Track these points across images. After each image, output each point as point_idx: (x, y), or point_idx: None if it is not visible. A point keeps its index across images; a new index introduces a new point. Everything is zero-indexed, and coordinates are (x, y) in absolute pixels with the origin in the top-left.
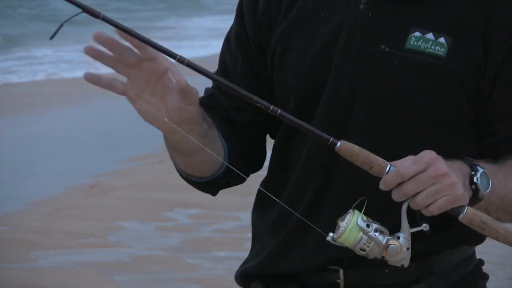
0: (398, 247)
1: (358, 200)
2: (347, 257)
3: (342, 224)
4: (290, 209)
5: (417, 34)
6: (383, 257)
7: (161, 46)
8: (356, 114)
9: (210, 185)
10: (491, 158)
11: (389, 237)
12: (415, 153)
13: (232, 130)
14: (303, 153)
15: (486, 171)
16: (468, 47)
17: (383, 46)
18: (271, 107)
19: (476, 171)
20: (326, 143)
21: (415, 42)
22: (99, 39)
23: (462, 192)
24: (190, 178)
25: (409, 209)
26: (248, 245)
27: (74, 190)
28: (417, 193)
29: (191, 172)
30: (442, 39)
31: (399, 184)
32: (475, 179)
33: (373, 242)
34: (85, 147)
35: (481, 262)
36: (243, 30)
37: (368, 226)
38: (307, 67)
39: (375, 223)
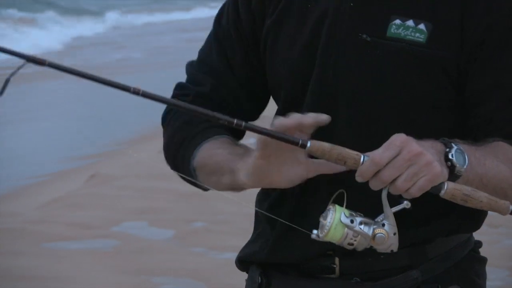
0: (385, 234)
1: (336, 193)
2: (342, 247)
3: (326, 222)
4: (275, 217)
5: (398, 22)
6: (371, 246)
7: (113, 81)
8: (342, 103)
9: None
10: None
11: (374, 227)
12: None
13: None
14: None
15: (461, 147)
16: (448, 32)
17: (365, 36)
18: (235, 121)
19: (451, 147)
20: (296, 145)
21: (395, 30)
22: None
23: (439, 169)
24: (200, 184)
25: (388, 197)
26: (248, 235)
27: (74, 179)
28: (395, 179)
29: (208, 186)
30: (422, 26)
31: (376, 173)
32: (450, 156)
33: (359, 236)
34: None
35: (478, 244)
36: (239, 21)
37: (352, 221)
38: (294, 58)
39: (359, 216)
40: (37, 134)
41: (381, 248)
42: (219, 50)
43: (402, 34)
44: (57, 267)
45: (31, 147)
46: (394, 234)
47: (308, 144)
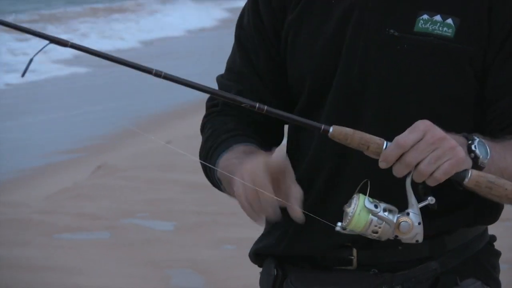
0: (410, 223)
1: (361, 183)
2: (362, 239)
3: (350, 210)
4: (299, 209)
5: (425, 16)
6: (396, 236)
7: (136, 64)
8: (368, 98)
9: None
10: (491, 136)
11: (398, 215)
12: None
13: (258, 129)
14: (314, 140)
15: (482, 140)
16: (475, 26)
17: (392, 31)
18: (257, 105)
19: (473, 140)
20: (318, 131)
21: (423, 25)
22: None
23: (463, 155)
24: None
25: (412, 187)
26: (257, 227)
27: (80, 169)
28: (418, 163)
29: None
30: (449, 20)
31: (400, 157)
32: (473, 147)
33: (384, 222)
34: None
35: (493, 238)
36: (260, 20)
37: (376, 206)
38: (318, 52)
39: (383, 203)
40: (45, 124)
41: (406, 237)
42: (242, 54)
43: (430, 28)
44: (64, 258)
45: (37, 137)
46: (419, 223)
47: (331, 129)
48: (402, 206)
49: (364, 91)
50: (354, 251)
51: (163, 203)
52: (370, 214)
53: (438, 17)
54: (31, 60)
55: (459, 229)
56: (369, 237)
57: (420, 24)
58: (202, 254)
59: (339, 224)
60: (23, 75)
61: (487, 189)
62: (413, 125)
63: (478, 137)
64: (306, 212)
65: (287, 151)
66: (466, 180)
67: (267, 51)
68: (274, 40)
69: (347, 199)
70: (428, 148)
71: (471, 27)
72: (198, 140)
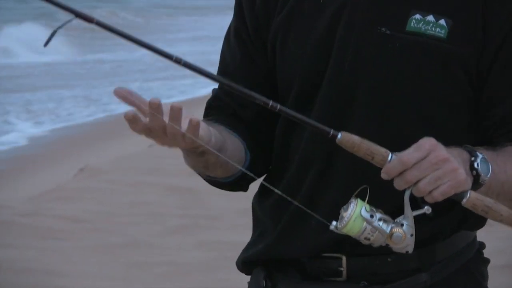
0: (403, 234)
1: (360, 188)
2: (349, 241)
3: (346, 214)
4: (289, 198)
5: (418, 16)
6: (387, 244)
7: (157, 47)
8: (359, 97)
9: (239, 182)
10: (488, 142)
11: (392, 225)
12: (419, 136)
13: (243, 127)
14: (303, 139)
15: (485, 156)
16: (468, 29)
17: (384, 29)
18: (270, 102)
19: (476, 156)
20: (327, 136)
21: (415, 25)
22: (119, 95)
23: (464, 177)
24: (215, 179)
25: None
26: (240, 230)
27: (63, 171)
28: (419, 180)
29: (216, 175)
30: (442, 21)
31: (401, 173)
32: (475, 165)
33: (377, 232)
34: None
35: (482, 246)
36: (243, 24)
37: (372, 216)
38: (308, 52)
39: (379, 213)
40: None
41: (396, 247)
42: (235, 57)
43: (423, 28)
44: (47, 260)
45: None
46: (411, 235)
47: (339, 136)
48: (392, 206)
49: (355, 89)
50: (344, 261)
51: (146, 206)
52: (365, 223)
53: (430, 17)
54: (54, 32)
55: (447, 233)
56: (362, 242)
57: (412, 23)
58: (184, 256)
59: (334, 223)
60: (45, 44)
61: (483, 213)
62: (419, 143)
63: (481, 153)
64: (298, 204)
65: (275, 151)
66: (464, 200)
67: (246, 54)
68: (258, 45)
69: (337, 198)
70: (430, 167)
71: (464, 29)
72: None
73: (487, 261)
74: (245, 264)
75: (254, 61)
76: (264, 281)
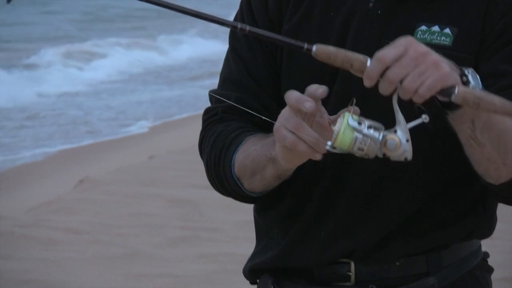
0: (397, 140)
1: (351, 101)
2: (360, 249)
3: (335, 128)
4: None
5: (423, 27)
6: (384, 154)
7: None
8: (367, 107)
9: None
10: None
11: (384, 133)
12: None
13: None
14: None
15: (476, 73)
16: (471, 37)
17: (391, 41)
18: (239, 25)
19: (467, 68)
20: (301, 50)
21: (421, 36)
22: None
23: (448, 70)
24: (251, 195)
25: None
26: (240, 242)
27: (63, 183)
28: (403, 80)
29: (258, 190)
30: (447, 30)
31: (383, 74)
32: (466, 72)
33: (369, 140)
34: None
35: (486, 255)
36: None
37: (360, 123)
38: (316, 64)
39: (367, 120)
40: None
41: (394, 155)
42: (238, 64)
43: (428, 39)
44: (46, 271)
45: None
46: (407, 140)
47: (314, 48)
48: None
49: (363, 101)
50: (352, 266)
51: (146, 217)
52: (355, 132)
53: (436, 28)
54: None
55: (455, 243)
56: (357, 154)
57: (418, 35)
58: (184, 268)
59: (329, 143)
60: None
61: (475, 105)
62: (394, 41)
63: (471, 69)
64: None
65: None
66: (453, 96)
67: (266, 57)
68: (272, 47)
69: (347, 210)
70: (411, 63)
71: (468, 36)
72: (180, 155)
73: (491, 269)
74: (252, 271)
75: (262, 62)
76: (272, 286)
